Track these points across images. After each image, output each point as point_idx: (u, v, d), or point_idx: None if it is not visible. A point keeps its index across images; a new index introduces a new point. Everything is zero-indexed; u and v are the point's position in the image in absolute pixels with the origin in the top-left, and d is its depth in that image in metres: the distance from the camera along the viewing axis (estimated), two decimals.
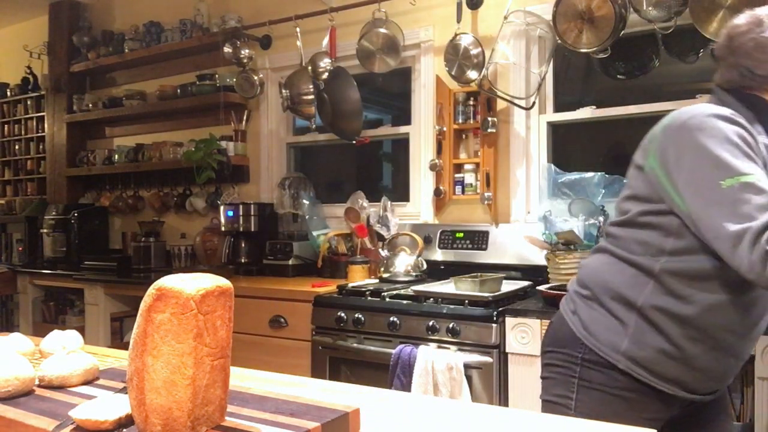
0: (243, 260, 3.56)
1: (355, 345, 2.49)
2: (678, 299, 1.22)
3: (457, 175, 3.06)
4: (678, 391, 1.27)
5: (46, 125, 4.83)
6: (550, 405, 1.37)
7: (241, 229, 3.51)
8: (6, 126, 5.21)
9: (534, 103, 2.79)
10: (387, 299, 2.50)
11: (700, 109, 1.24)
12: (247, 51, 3.65)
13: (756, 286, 1.19)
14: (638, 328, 1.25)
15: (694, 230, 1.19)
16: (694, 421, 1.37)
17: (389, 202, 3.21)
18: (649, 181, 1.27)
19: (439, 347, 2.28)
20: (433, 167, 3.08)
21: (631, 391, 1.27)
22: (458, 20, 2.94)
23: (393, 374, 2.29)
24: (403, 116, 3.39)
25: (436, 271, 2.93)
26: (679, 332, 1.23)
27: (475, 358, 2.20)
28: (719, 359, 1.27)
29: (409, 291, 2.54)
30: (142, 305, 0.78)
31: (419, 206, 3.20)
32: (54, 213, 4.40)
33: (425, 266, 2.93)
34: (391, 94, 3.59)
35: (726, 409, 1.45)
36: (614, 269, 1.30)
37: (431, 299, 2.42)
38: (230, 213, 3.54)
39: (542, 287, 2.34)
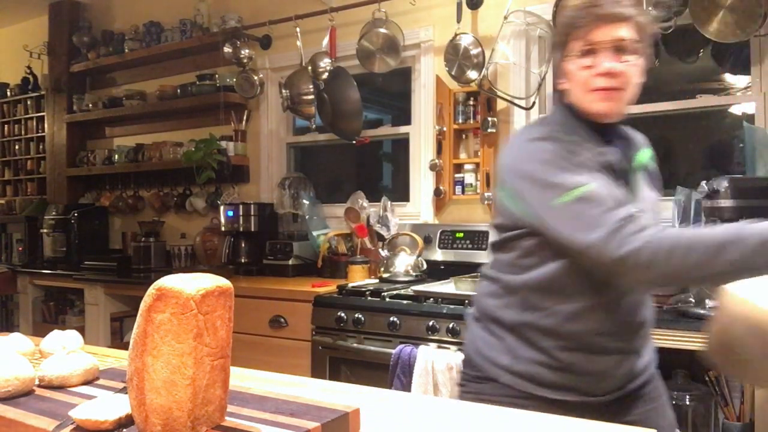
0: (243, 260, 3.56)
1: (355, 345, 2.49)
2: (540, 312, 1.28)
3: (457, 175, 3.06)
4: (574, 397, 1.27)
5: (46, 125, 4.83)
6: None
7: (241, 229, 3.51)
8: (6, 126, 5.21)
9: (534, 103, 2.78)
10: (387, 299, 2.50)
11: (519, 137, 1.36)
12: (247, 51, 3.65)
13: (613, 289, 1.24)
14: (514, 344, 1.30)
15: (557, 249, 1.24)
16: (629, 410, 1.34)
17: (389, 202, 3.21)
18: (504, 208, 1.34)
19: (439, 347, 2.28)
20: (433, 167, 3.08)
21: (525, 399, 1.27)
22: (458, 20, 2.94)
23: (393, 374, 2.29)
24: (403, 116, 3.39)
25: (436, 271, 2.93)
26: (551, 344, 1.27)
27: None
28: (603, 361, 1.28)
29: (409, 291, 2.54)
30: (142, 305, 0.78)
31: (419, 206, 3.20)
32: (54, 213, 4.40)
33: (425, 266, 2.93)
34: (391, 94, 3.59)
35: (658, 397, 1.39)
36: (489, 290, 1.38)
37: (431, 299, 2.42)
38: (230, 213, 3.54)
39: None
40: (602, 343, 1.27)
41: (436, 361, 2.20)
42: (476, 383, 1.36)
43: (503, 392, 1.30)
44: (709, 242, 1.09)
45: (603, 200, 1.16)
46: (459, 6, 2.94)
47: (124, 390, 0.91)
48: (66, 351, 1.04)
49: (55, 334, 1.21)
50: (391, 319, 2.41)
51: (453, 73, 2.93)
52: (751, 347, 1.08)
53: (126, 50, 4.23)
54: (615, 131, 1.35)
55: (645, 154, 1.40)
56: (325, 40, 3.36)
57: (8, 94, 5.17)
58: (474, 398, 1.32)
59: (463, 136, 3.08)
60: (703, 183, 2.01)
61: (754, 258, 1.06)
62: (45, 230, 4.42)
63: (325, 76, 3.31)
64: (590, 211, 1.16)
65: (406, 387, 2.24)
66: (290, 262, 3.34)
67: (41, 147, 4.93)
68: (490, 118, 2.90)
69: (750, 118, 2.48)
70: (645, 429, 0.92)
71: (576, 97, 1.31)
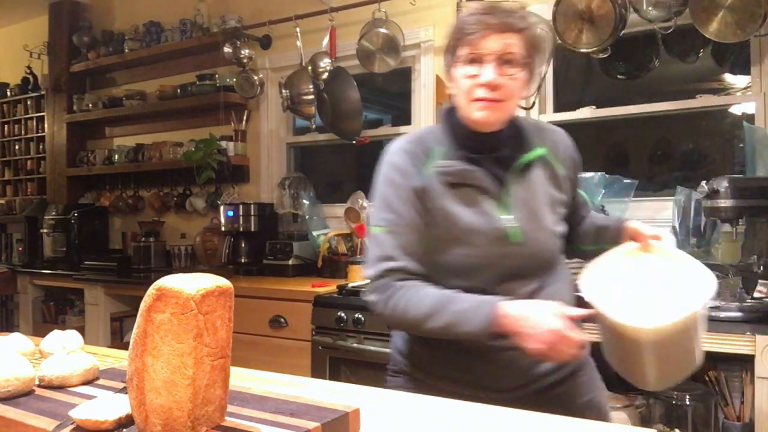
0: (243, 260, 3.56)
1: (355, 345, 2.49)
2: None
3: None
4: (478, 392, 1.25)
5: (46, 125, 4.83)
6: None
7: (241, 229, 3.51)
8: (6, 126, 5.21)
9: (534, 102, 2.78)
10: None
11: (390, 145, 1.40)
12: (247, 51, 3.65)
13: (486, 292, 1.28)
14: (415, 340, 1.38)
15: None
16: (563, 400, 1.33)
17: None
18: None
19: None
20: None
21: (434, 392, 1.25)
22: None
23: None
24: (403, 116, 3.39)
25: None
26: (442, 341, 1.29)
27: None
28: (496, 358, 1.27)
29: None
30: (142, 305, 0.78)
31: None
32: (54, 213, 4.40)
33: None
34: (391, 94, 3.59)
35: (573, 401, 1.35)
36: None
37: None
38: (230, 213, 3.54)
39: None
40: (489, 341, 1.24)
41: None
42: (392, 377, 1.42)
43: (414, 385, 1.35)
44: (424, 308, 1.22)
45: (383, 247, 1.29)
46: (459, 6, 2.94)
47: (124, 390, 0.91)
48: (66, 351, 1.04)
49: (55, 334, 1.21)
50: None
51: None
52: (610, 354, 1.24)
53: (126, 50, 4.23)
54: (498, 137, 1.33)
55: (534, 153, 1.35)
56: (325, 40, 3.36)
57: (8, 94, 5.17)
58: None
59: None
60: (703, 183, 2.01)
61: (451, 329, 1.21)
62: (45, 230, 4.42)
63: (325, 76, 3.31)
64: (373, 251, 1.31)
65: None
66: (290, 262, 3.34)
67: (41, 147, 4.93)
68: None
69: (750, 118, 2.48)
70: (647, 430, 0.91)
71: (459, 103, 1.32)
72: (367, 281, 1.32)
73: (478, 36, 1.26)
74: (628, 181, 2.58)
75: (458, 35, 1.31)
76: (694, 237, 2.26)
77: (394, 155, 1.36)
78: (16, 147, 5.15)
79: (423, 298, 1.24)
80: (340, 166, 3.91)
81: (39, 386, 1.00)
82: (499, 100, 1.27)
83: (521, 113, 2.86)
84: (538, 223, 1.31)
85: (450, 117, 1.37)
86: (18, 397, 0.94)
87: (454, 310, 1.21)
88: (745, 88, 2.57)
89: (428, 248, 1.30)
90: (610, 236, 1.36)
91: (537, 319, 1.15)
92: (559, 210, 1.37)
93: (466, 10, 1.35)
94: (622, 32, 2.49)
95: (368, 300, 1.31)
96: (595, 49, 2.53)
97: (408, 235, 1.29)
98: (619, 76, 2.85)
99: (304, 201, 3.48)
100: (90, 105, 4.46)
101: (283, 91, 3.42)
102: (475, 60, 1.27)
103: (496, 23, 1.25)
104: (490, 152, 1.33)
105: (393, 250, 1.28)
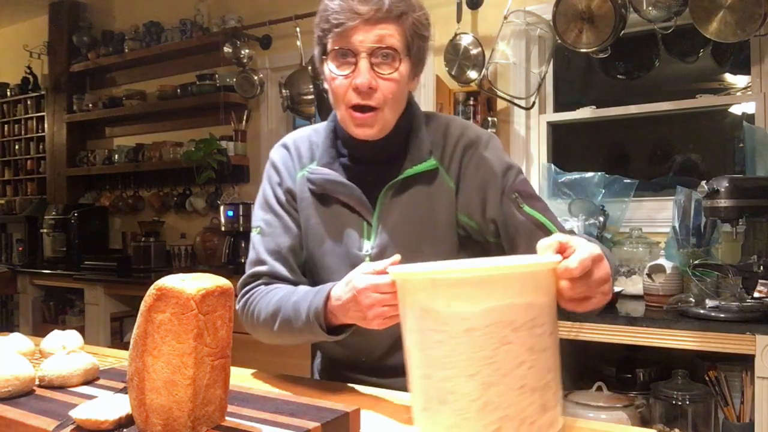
0: (243, 260, 3.55)
1: None
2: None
3: None
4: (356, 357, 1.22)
5: (46, 125, 4.83)
6: None
7: (241, 229, 3.51)
8: (6, 126, 5.22)
9: (534, 102, 2.78)
10: None
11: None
12: (247, 51, 3.65)
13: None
14: None
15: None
16: None
17: None
18: None
19: None
20: None
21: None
22: (458, 20, 2.94)
23: None
24: None
25: None
26: None
27: None
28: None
29: None
30: (143, 305, 0.78)
31: None
32: (54, 213, 4.40)
33: None
34: None
35: None
36: None
37: None
38: (230, 213, 3.54)
39: None
40: None
41: None
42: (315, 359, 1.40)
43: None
44: (270, 308, 1.12)
45: (256, 250, 1.20)
46: (459, 6, 2.94)
47: (124, 390, 0.91)
48: (66, 351, 1.04)
49: (55, 334, 1.21)
50: None
51: (453, 73, 2.93)
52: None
53: (126, 50, 4.23)
54: (381, 145, 1.14)
55: (423, 166, 1.13)
56: None
57: (8, 94, 5.17)
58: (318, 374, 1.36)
59: None
60: (703, 183, 2.01)
61: (289, 326, 1.08)
62: (45, 230, 4.42)
63: None
64: (249, 255, 1.22)
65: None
66: None
67: (41, 147, 4.93)
68: (490, 118, 2.90)
69: (750, 118, 2.48)
70: (647, 430, 0.91)
71: (333, 105, 1.15)
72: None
73: (345, 28, 1.04)
74: (628, 181, 2.58)
75: (324, 25, 1.08)
76: (694, 237, 2.26)
77: (274, 151, 1.25)
78: (16, 147, 5.15)
79: (271, 299, 1.13)
80: None
81: (39, 386, 1.00)
82: (377, 108, 1.08)
83: (522, 113, 2.87)
84: (410, 253, 1.04)
85: (332, 118, 1.21)
86: (18, 397, 0.94)
87: (292, 302, 1.08)
88: (745, 88, 2.57)
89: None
90: None
91: (345, 286, 0.98)
92: (452, 236, 1.15)
93: None
94: (622, 32, 2.49)
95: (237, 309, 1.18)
96: (595, 49, 2.53)
97: (281, 237, 1.19)
98: (619, 76, 2.85)
99: None
100: (90, 105, 4.46)
101: (283, 91, 3.42)
102: (345, 55, 1.06)
103: (366, 11, 1.03)
104: (370, 162, 1.15)
105: (263, 254, 1.19)
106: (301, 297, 1.08)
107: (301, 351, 2.68)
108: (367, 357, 1.22)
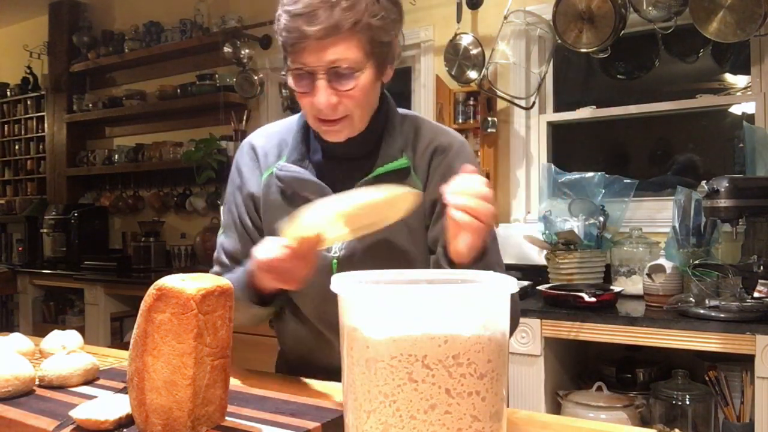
0: None
1: None
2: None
3: None
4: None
5: (46, 125, 4.83)
6: None
7: None
8: (6, 126, 5.22)
9: (534, 102, 2.78)
10: None
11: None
12: (247, 51, 3.65)
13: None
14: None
15: None
16: None
17: None
18: None
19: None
20: None
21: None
22: (458, 20, 2.94)
23: None
24: None
25: None
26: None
27: None
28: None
29: None
30: (143, 305, 0.78)
31: None
32: (54, 213, 4.40)
33: None
34: (391, 94, 3.57)
35: None
36: None
37: None
38: None
39: (543, 287, 2.34)
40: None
41: None
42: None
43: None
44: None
45: (218, 250, 1.23)
46: (459, 6, 2.94)
47: (124, 390, 0.91)
48: (66, 351, 1.04)
49: (55, 334, 1.21)
50: None
51: (453, 73, 2.93)
52: None
53: (126, 50, 4.23)
54: (352, 143, 1.11)
55: (394, 164, 1.10)
56: None
57: (8, 94, 5.17)
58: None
59: (463, 136, 3.07)
60: (703, 183, 2.01)
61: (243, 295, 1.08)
62: (45, 230, 4.42)
63: None
64: (215, 251, 1.25)
65: None
66: None
67: (41, 147, 4.93)
68: (490, 118, 2.90)
69: (750, 118, 2.48)
70: (647, 430, 0.91)
71: (303, 112, 1.11)
72: None
73: (296, 48, 0.99)
74: (628, 181, 2.58)
75: (280, 38, 1.02)
76: (694, 237, 2.26)
77: (239, 151, 1.22)
78: (16, 147, 5.15)
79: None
80: None
81: (39, 386, 1.00)
82: (343, 117, 1.05)
83: (522, 113, 2.87)
84: (379, 254, 1.06)
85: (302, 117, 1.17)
86: (18, 397, 0.94)
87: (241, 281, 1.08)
88: (745, 88, 2.57)
89: None
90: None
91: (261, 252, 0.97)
92: (422, 238, 1.13)
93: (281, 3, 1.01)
94: (622, 32, 2.49)
95: None
96: (595, 49, 2.53)
97: (236, 242, 1.20)
98: (619, 76, 2.85)
99: None
100: (90, 105, 4.46)
101: (283, 91, 3.42)
102: (302, 77, 1.01)
103: (314, 32, 0.95)
104: (343, 158, 1.13)
105: (223, 255, 1.21)
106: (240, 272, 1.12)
107: None
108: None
